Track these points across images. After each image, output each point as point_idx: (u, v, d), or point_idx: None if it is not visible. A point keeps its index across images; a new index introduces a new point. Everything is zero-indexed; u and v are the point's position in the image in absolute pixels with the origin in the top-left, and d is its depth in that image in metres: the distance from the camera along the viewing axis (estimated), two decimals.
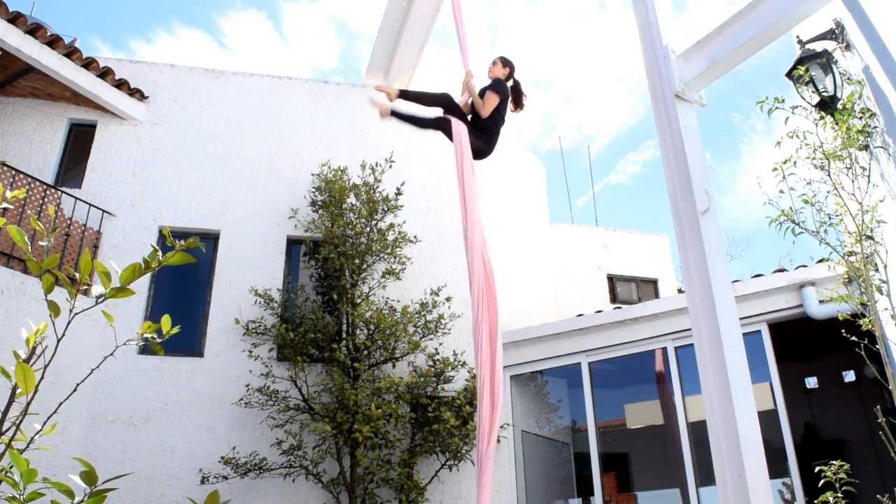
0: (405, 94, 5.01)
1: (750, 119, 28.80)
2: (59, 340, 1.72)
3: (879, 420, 3.77)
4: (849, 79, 4.20)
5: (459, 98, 4.81)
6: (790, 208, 4.13)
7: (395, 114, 4.87)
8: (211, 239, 7.83)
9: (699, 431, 6.59)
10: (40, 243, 1.69)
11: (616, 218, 31.87)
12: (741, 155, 29.77)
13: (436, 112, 4.79)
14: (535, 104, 32.66)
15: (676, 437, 6.73)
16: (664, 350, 7.06)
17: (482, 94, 4.71)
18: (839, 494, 3.83)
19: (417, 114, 4.91)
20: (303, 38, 34.17)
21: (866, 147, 4.04)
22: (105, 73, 7.65)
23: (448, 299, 7.47)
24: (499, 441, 7.34)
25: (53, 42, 7.06)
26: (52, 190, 7.08)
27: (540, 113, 32.66)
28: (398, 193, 7.62)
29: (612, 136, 32.00)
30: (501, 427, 7.40)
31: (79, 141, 8.08)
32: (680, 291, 9.72)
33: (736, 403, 2.74)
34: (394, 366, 7.31)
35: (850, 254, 4.11)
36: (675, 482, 6.93)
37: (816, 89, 4.19)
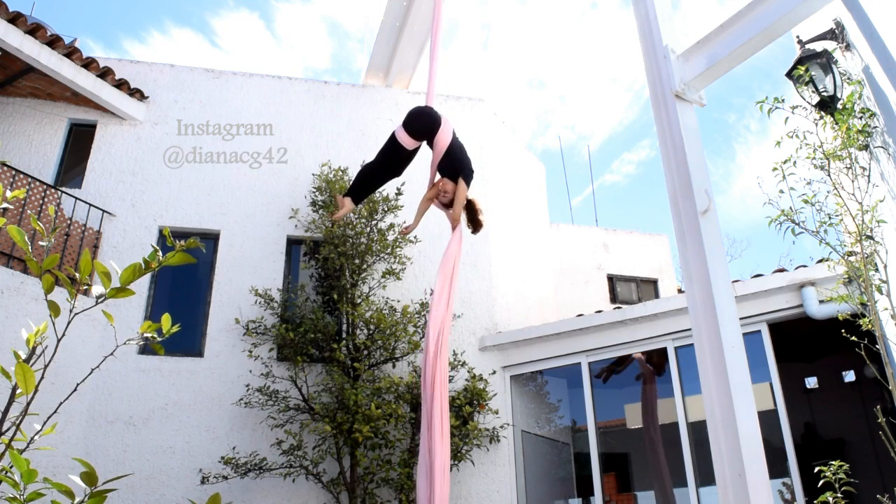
0: (355, 193, 4.96)
1: (744, 119, 28.83)
2: (59, 340, 1.72)
3: (879, 420, 3.77)
4: (849, 79, 4.20)
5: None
6: (790, 208, 4.12)
7: (354, 195, 4.90)
8: (211, 239, 7.83)
9: (699, 431, 6.59)
10: (40, 243, 1.69)
11: (612, 218, 31.85)
12: (736, 155, 29.79)
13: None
14: (529, 104, 32.69)
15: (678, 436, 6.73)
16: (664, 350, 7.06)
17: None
18: (839, 494, 3.83)
19: (369, 172, 4.93)
20: (295, 38, 34.20)
21: (866, 147, 4.04)
22: (105, 73, 7.65)
23: None
24: (499, 441, 7.34)
25: (53, 42, 7.06)
26: (52, 190, 7.08)
27: (534, 113, 32.69)
28: (398, 193, 7.61)
29: (606, 136, 32.02)
30: (501, 427, 7.40)
31: (79, 141, 8.08)
32: (680, 291, 9.72)
33: (736, 403, 2.74)
34: (394, 366, 7.31)
35: (850, 254, 4.11)
36: (678, 482, 6.93)
37: (816, 89, 4.18)
